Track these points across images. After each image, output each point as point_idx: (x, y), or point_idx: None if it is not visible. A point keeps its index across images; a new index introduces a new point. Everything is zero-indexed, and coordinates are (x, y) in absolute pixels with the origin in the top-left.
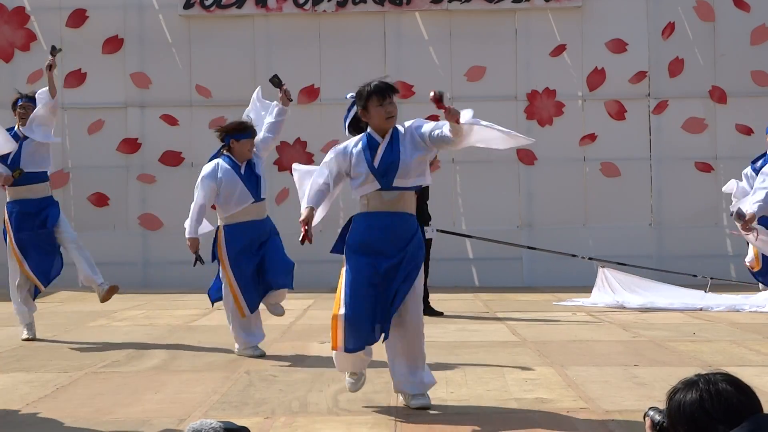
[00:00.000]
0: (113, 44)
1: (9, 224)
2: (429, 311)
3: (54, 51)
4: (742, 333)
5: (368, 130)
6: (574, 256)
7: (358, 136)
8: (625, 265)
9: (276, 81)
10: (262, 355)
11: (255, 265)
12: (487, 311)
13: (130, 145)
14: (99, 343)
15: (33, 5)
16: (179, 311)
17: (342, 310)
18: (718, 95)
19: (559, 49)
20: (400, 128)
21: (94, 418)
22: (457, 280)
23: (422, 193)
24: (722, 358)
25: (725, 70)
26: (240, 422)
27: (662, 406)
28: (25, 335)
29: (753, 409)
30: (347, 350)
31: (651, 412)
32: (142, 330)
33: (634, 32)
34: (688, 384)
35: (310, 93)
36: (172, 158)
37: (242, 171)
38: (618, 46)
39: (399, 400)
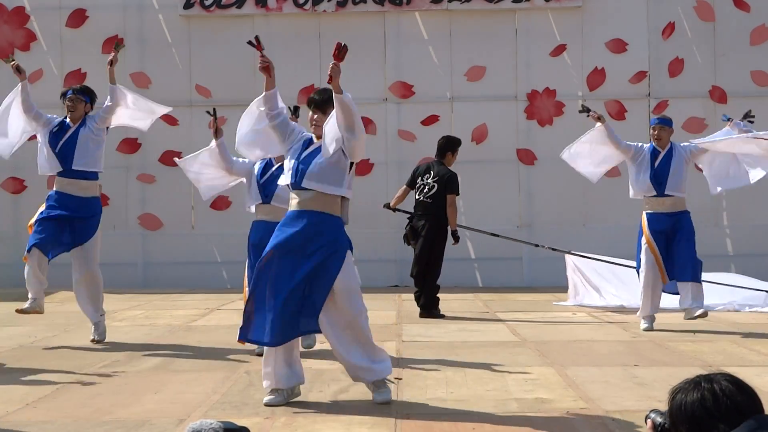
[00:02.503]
0: (113, 44)
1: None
2: (434, 313)
3: (117, 47)
4: (742, 333)
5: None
6: (536, 245)
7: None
8: (587, 257)
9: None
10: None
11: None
12: (487, 311)
13: (130, 145)
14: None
15: (33, 5)
16: (179, 311)
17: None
18: (718, 95)
19: (559, 49)
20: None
21: (94, 418)
22: (457, 280)
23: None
24: (722, 358)
25: (725, 70)
26: (240, 422)
27: (662, 406)
28: (25, 306)
29: (754, 408)
30: (243, 339)
31: (653, 414)
32: (142, 330)
33: (634, 32)
34: (690, 384)
35: (310, 93)
36: (172, 158)
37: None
38: (618, 46)
39: (399, 399)
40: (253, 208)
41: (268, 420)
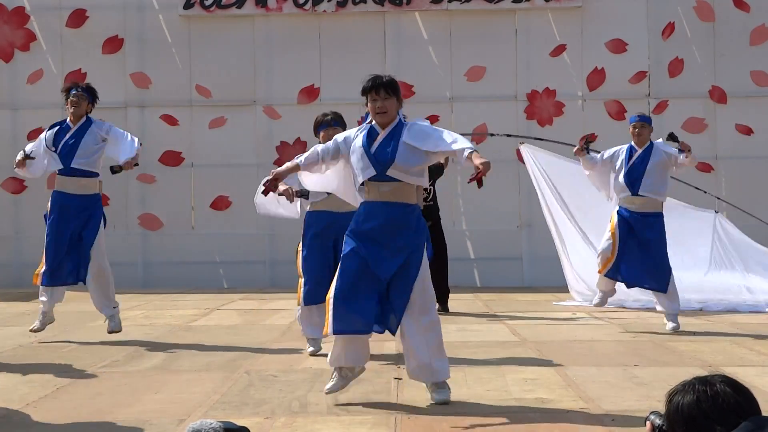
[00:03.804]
0: (113, 44)
1: (49, 210)
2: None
3: (114, 171)
4: (742, 333)
5: (372, 122)
6: (509, 136)
7: (359, 127)
8: (542, 140)
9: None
10: (316, 351)
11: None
12: (487, 311)
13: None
14: (99, 343)
15: (33, 5)
16: (179, 311)
17: (332, 293)
18: (718, 95)
19: (559, 49)
20: (407, 126)
21: (94, 418)
22: (457, 280)
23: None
24: (722, 358)
25: (725, 70)
26: (240, 422)
27: (662, 406)
28: (33, 325)
29: (751, 410)
30: (334, 332)
31: (652, 416)
32: (142, 330)
33: (634, 32)
34: (686, 386)
35: (310, 93)
36: (172, 158)
37: None
38: (618, 46)
39: (399, 400)
40: (308, 205)
41: (268, 420)
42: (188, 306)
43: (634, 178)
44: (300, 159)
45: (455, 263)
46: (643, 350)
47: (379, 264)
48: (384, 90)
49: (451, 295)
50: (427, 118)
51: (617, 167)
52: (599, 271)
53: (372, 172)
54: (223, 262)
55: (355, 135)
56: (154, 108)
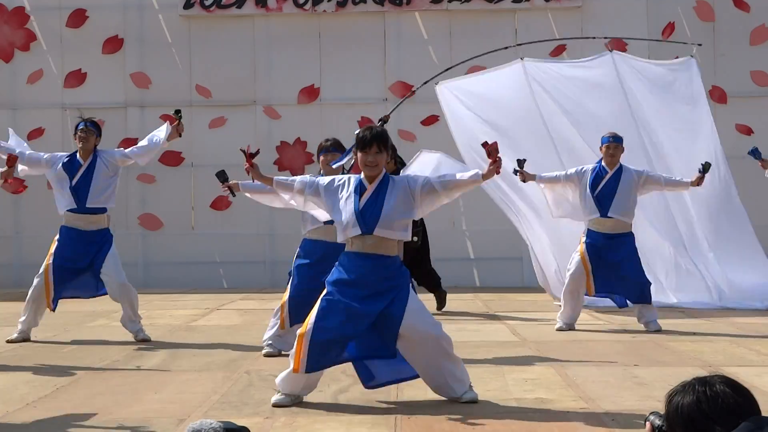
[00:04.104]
0: (113, 44)
1: (55, 242)
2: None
3: (177, 114)
4: (742, 333)
5: (361, 174)
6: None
7: (348, 176)
8: (461, 63)
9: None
10: (270, 356)
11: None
12: (487, 311)
13: (130, 146)
14: (99, 343)
15: (33, 5)
16: (179, 311)
17: (307, 332)
18: (718, 95)
19: (559, 49)
20: (394, 178)
21: (94, 418)
22: (457, 280)
23: None
24: (722, 358)
25: (725, 70)
26: (240, 422)
27: (662, 406)
28: (12, 336)
29: (750, 410)
30: (307, 370)
31: (651, 417)
32: None
33: (634, 32)
34: (686, 386)
35: (310, 93)
36: (172, 158)
37: None
38: (618, 46)
39: (399, 400)
40: (306, 232)
41: (268, 420)
42: (188, 306)
43: (603, 201)
44: (275, 178)
45: (455, 263)
46: (643, 350)
47: (361, 305)
48: (377, 145)
49: (450, 295)
50: (427, 118)
51: (584, 187)
52: (588, 294)
53: (358, 231)
54: (223, 262)
55: (339, 185)
56: (154, 108)
